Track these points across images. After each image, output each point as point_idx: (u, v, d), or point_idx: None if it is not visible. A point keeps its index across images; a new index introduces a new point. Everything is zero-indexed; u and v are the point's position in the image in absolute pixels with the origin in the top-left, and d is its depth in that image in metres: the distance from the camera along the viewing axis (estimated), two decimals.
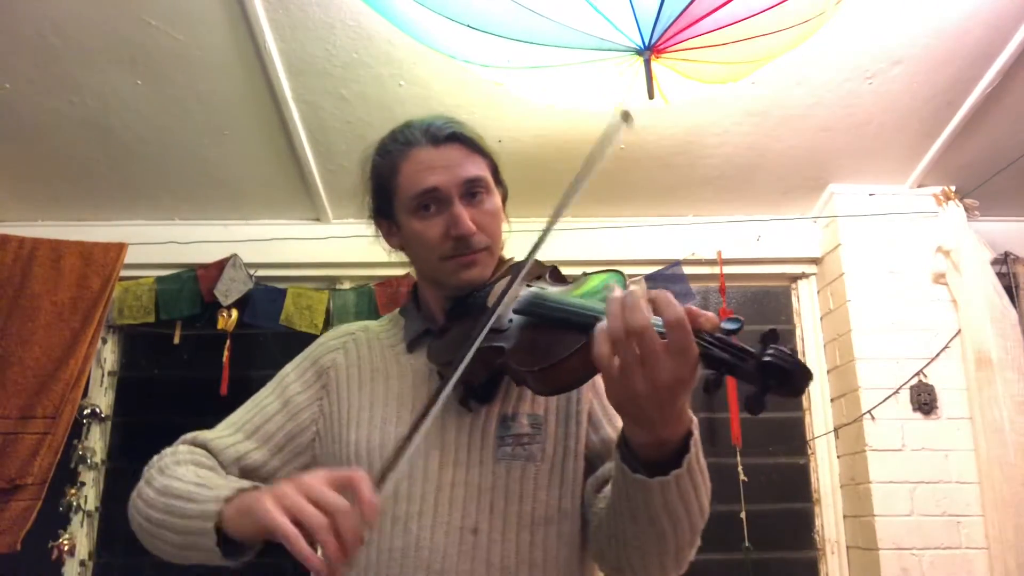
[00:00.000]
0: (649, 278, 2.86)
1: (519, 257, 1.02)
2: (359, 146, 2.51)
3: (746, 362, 0.72)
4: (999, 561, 2.42)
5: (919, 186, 2.82)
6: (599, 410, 1.08)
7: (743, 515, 2.73)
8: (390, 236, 1.16)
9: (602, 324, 0.76)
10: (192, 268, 2.84)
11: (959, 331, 2.66)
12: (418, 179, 1.05)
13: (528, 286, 1.02)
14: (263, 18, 2.05)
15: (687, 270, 2.87)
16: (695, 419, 0.85)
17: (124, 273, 2.79)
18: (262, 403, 1.13)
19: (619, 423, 1.00)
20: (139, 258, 2.81)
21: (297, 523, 0.75)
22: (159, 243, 2.86)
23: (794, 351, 0.73)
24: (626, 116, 0.93)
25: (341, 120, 2.41)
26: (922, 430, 2.59)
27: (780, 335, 0.73)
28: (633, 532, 0.89)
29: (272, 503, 0.77)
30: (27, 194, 2.78)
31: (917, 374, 2.63)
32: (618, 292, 0.75)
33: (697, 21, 1.74)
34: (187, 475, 0.97)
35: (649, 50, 1.83)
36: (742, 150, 2.62)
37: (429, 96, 2.32)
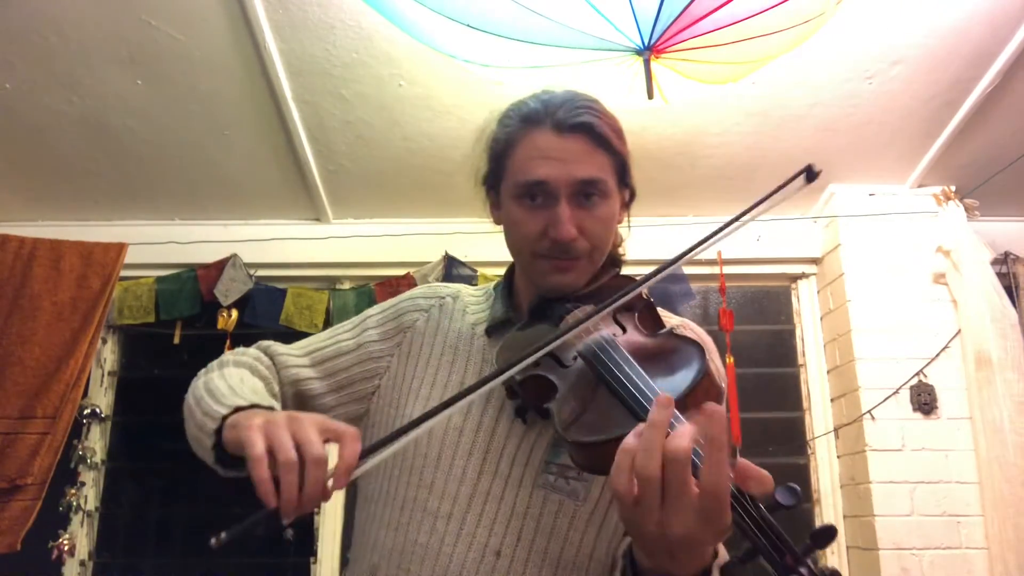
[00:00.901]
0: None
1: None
2: (359, 146, 2.53)
3: (783, 557, 0.62)
4: (999, 561, 2.42)
5: (919, 186, 2.82)
6: None
7: None
8: (493, 210, 1.08)
9: (632, 436, 0.66)
10: (192, 268, 2.84)
11: (959, 331, 2.66)
12: (529, 166, 0.96)
13: (617, 322, 0.91)
14: (263, 18, 2.05)
15: (687, 270, 2.87)
16: (722, 552, 0.74)
17: (124, 273, 2.79)
18: (339, 337, 1.10)
19: None
20: (139, 258, 2.81)
21: (271, 452, 0.72)
22: (159, 243, 2.86)
23: (835, 572, 0.61)
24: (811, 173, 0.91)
25: (341, 120, 2.41)
26: (922, 430, 2.59)
27: (833, 530, 0.62)
28: None
29: (259, 424, 0.75)
30: (27, 194, 2.78)
31: (917, 374, 2.63)
32: (662, 400, 0.64)
33: (697, 21, 1.74)
34: (232, 376, 0.96)
35: (648, 50, 1.83)
36: (742, 150, 2.62)
37: (429, 96, 2.32)
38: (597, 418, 0.77)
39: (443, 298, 1.13)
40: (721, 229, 0.88)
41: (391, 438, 0.76)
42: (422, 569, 0.93)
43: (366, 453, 0.74)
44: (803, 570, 0.61)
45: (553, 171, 0.95)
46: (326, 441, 0.74)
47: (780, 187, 0.91)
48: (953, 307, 2.69)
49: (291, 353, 1.09)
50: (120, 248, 2.78)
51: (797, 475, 2.85)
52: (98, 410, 2.79)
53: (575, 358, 0.86)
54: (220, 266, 2.82)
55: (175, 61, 2.18)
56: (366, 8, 1.93)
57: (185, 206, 2.86)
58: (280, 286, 2.83)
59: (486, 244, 2.66)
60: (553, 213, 0.95)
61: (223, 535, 0.66)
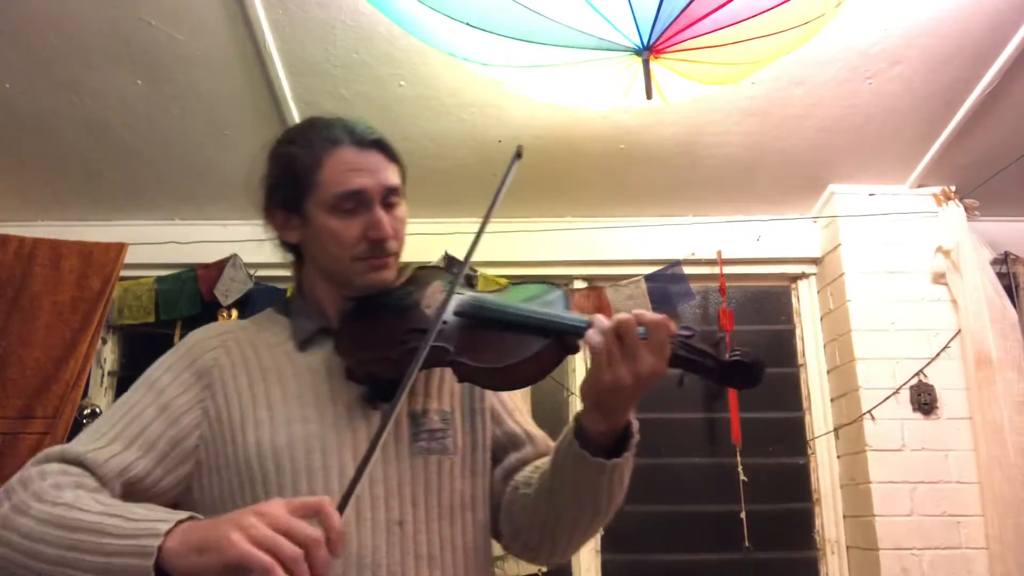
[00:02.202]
0: (649, 278, 2.87)
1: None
2: None
3: (707, 361, 0.93)
4: (999, 561, 2.42)
5: (919, 186, 2.82)
6: (499, 407, 1.17)
7: (743, 515, 2.73)
8: (287, 230, 1.14)
9: (598, 322, 0.92)
10: (192, 268, 2.84)
11: (959, 331, 2.66)
12: (344, 178, 1.06)
13: (457, 292, 1.08)
14: (263, 18, 2.05)
15: (687, 270, 2.88)
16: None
17: (124, 273, 2.79)
18: (135, 408, 1.02)
19: (518, 417, 1.18)
20: (139, 258, 2.81)
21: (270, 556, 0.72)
22: (159, 243, 2.86)
23: (748, 352, 0.93)
24: (518, 152, 1.08)
25: None
26: (922, 430, 2.59)
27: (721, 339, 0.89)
28: (571, 511, 1.02)
29: (239, 535, 0.72)
30: (27, 194, 2.78)
31: (917, 374, 2.63)
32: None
33: (696, 22, 1.74)
34: (86, 503, 0.85)
35: (648, 50, 1.83)
36: (742, 150, 2.62)
37: (429, 96, 2.33)
38: (513, 346, 0.98)
39: (230, 331, 1.14)
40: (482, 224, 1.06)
41: (352, 484, 0.82)
42: (331, 569, 0.93)
43: (341, 509, 0.78)
44: (723, 358, 0.92)
45: (368, 181, 1.07)
46: (303, 518, 0.75)
47: (504, 175, 1.08)
48: (953, 307, 2.69)
49: (97, 447, 0.97)
50: (120, 248, 2.78)
51: (797, 475, 2.85)
52: (98, 410, 2.79)
53: (445, 323, 1.02)
54: (220, 266, 2.82)
55: (175, 61, 2.18)
56: (366, 8, 1.93)
57: (185, 206, 2.86)
58: (280, 286, 2.83)
59: (486, 244, 2.66)
60: (370, 217, 1.07)
61: None
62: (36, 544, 0.83)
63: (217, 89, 2.30)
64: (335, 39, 2.13)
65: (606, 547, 2.76)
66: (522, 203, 2.83)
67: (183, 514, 0.82)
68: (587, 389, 0.94)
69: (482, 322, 1.03)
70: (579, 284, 2.96)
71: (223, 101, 2.35)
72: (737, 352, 0.92)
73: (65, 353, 2.64)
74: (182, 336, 2.80)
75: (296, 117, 2.38)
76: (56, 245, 2.75)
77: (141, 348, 2.94)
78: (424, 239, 2.86)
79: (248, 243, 2.85)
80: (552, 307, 1.03)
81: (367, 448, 0.86)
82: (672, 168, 2.69)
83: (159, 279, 2.83)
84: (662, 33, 1.77)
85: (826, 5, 1.78)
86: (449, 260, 2.74)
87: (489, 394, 1.17)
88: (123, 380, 2.92)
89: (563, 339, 0.97)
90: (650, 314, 0.91)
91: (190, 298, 2.81)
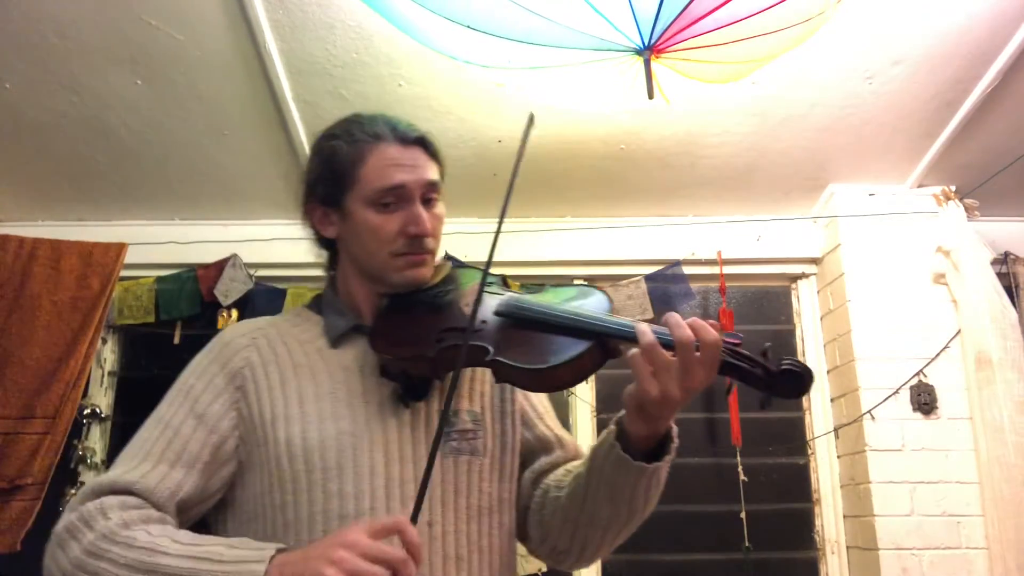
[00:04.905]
0: (649, 278, 2.87)
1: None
2: None
3: (755, 369, 0.89)
4: (999, 561, 2.42)
5: (919, 186, 2.82)
6: (530, 410, 1.17)
7: (743, 515, 2.73)
8: (326, 225, 1.13)
9: (649, 332, 0.90)
10: (192, 268, 2.84)
11: (959, 331, 2.66)
12: (386, 173, 1.07)
13: (490, 292, 1.08)
14: (263, 18, 2.05)
15: (687, 270, 2.88)
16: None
17: (124, 273, 2.79)
18: (172, 422, 1.03)
19: (549, 421, 1.19)
20: (139, 258, 2.81)
21: None
22: (159, 243, 2.86)
23: (797, 362, 0.88)
24: (531, 119, 1.08)
25: None
26: (922, 430, 2.59)
27: (773, 347, 0.90)
28: (606, 513, 1.02)
29: (334, 571, 0.76)
30: (27, 194, 2.78)
31: (917, 374, 2.63)
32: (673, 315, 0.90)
33: (696, 21, 1.74)
34: (163, 544, 0.87)
35: (648, 50, 1.83)
36: (742, 150, 2.62)
37: (429, 96, 2.33)
38: (553, 347, 0.96)
39: (261, 328, 1.14)
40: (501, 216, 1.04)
41: (420, 494, 0.86)
42: None
43: (414, 520, 0.82)
44: (773, 367, 0.89)
45: (409, 176, 1.08)
46: (384, 539, 0.79)
47: (522, 144, 1.06)
48: (953, 307, 2.69)
49: (144, 473, 0.97)
50: (120, 248, 2.78)
51: (797, 475, 2.85)
52: (98, 410, 2.79)
53: (484, 322, 1.02)
54: (220, 266, 2.81)
55: (175, 61, 2.18)
56: (366, 8, 1.93)
57: (185, 206, 2.86)
58: (280, 286, 2.83)
59: (486, 244, 2.66)
60: (410, 213, 1.07)
61: None
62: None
63: (217, 89, 2.30)
64: (335, 39, 2.13)
65: None
66: (522, 203, 2.83)
67: (270, 547, 0.85)
68: (632, 400, 0.92)
69: (523, 322, 1.02)
70: (579, 284, 2.96)
71: (223, 101, 2.34)
72: (787, 361, 0.89)
73: (65, 353, 2.64)
74: (182, 336, 2.85)
75: (296, 117, 2.38)
76: (56, 245, 2.75)
77: (141, 348, 2.94)
78: None
79: (248, 243, 2.85)
80: (594, 309, 1.01)
81: (428, 456, 0.86)
82: (672, 168, 2.68)
83: (159, 279, 2.83)
84: (663, 33, 1.77)
85: (826, 3, 1.78)
86: (446, 257, 2.75)
87: (519, 397, 1.16)
88: (123, 380, 2.91)
89: (605, 343, 0.95)
90: (705, 329, 0.87)
91: (190, 298, 2.81)
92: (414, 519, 0.81)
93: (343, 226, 1.11)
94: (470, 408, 1.09)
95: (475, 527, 1.04)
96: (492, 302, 1.05)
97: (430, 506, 1.00)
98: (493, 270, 1.03)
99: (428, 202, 1.10)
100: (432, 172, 1.11)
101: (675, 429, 0.98)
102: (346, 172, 1.09)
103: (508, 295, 1.07)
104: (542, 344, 0.98)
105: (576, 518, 1.04)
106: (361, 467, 0.99)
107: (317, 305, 1.19)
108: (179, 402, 1.06)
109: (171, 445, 1.00)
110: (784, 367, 0.89)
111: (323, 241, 1.17)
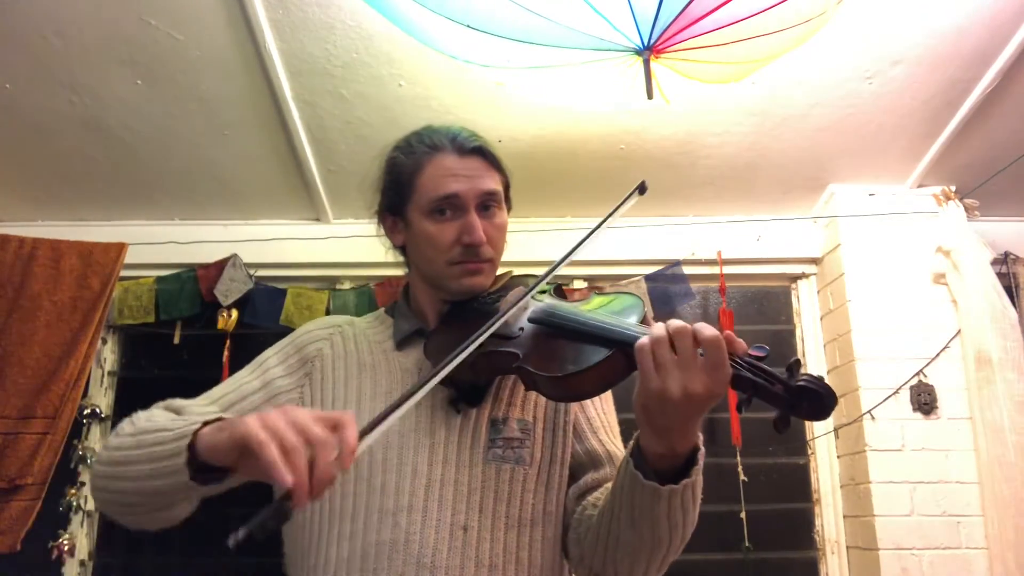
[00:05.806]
0: (649, 278, 2.87)
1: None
2: (359, 146, 2.53)
3: (774, 385, 0.81)
4: (999, 561, 2.42)
5: (919, 186, 2.82)
6: (584, 423, 1.15)
7: (743, 515, 2.73)
8: (394, 233, 1.19)
9: (651, 330, 0.87)
10: (192, 268, 2.84)
11: (959, 331, 2.66)
12: (441, 183, 1.10)
13: (535, 300, 1.08)
14: (263, 18, 2.05)
15: (687, 270, 2.87)
16: (701, 437, 0.94)
17: (124, 273, 2.79)
18: (241, 382, 1.13)
19: (603, 436, 1.15)
20: (139, 258, 2.81)
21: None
22: (159, 243, 2.86)
23: (817, 378, 0.81)
24: (643, 187, 1.09)
25: (341, 120, 2.41)
26: (922, 430, 2.59)
27: (800, 363, 0.83)
28: (629, 537, 0.97)
29: (254, 420, 0.76)
30: (27, 194, 2.78)
31: (917, 374, 2.63)
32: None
33: (696, 21, 1.74)
34: (160, 416, 0.99)
35: (648, 50, 1.83)
36: (742, 150, 2.62)
37: (429, 96, 2.33)
38: (576, 355, 0.94)
39: (339, 326, 1.21)
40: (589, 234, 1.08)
41: (381, 418, 0.79)
42: (391, 564, 0.98)
43: (363, 434, 0.77)
44: (793, 383, 0.80)
45: (463, 185, 1.10)
46: (327, 428, 0.76)
47: (621, 203, 1.09)
48: (953, 307, 2.69)
49: (196, 404, 1.09)
50: (120, 248, 2.78)
51: (797, 475, 2.85)
52: (98, 410, 2.79)
53: (521, 329, 1.03)
54: (220, 266, 2.81)
55: (175, 61, 2.18)
56: (366, 8, 1.93)
57: (185, 206, 2.86)
58: (280, 286, 2.83)
59: None
60: (465, 222, 1.10)
61: (240, 533, 0.64)
62: (116, 451, 0.96)
63: (217, 89, 2.30)
64: (335, 39, 2.13)
65: None
66: (522, 203, 2.81)
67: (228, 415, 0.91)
68: (636, 402, 0.89)
69: (553, 330, 1.01)
70: (579, 284, 2.96)
71: (223, 101, 2.34)
72: (804, 378, 0.81)
73: (65, 353, 2.64)
74: (182, 336, 2.85)
75: (296, 117, 2.38)
76: (56, 245, 2.75)
77: (141, 348, 2.93)
78: None
79: (248, 243, 2.85)
80: (623, 317, 0.98)
81: (400, 396, 0.82)
82: (672, 168, 2.68)
83: (159, 279, 2.83)
84: (662, 33, 1.77)
85: (826, 3, 1.78)
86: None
87: (575, 408, 1.14)
88: (123, 380, 2.91)
89: (627, 350, 0.90)
90: (709, 329, 0.83)
91: (190, 298, 2.81)
92: (365, 431, 0.76)
93: (407, 235, 1.16)
94: (521, 417, 1.09)
95: (513, 537, 1.03)
96: (539, 307, 1.06)
97: (467, 511, 1.01)
98: (558, 278, 1.05)
99: (487, 210, 1.12)
100: (490, 182, 1.13)
101: (702, 451, 0.93)
102: (406, 182, 1.13)
103: (547, 302, 1.07)
104: (567, 352, 0.96)
105: (605, 541, 1.01)
106: (404, 466, 1.02)
107: (392, 309, 1.24)
108: (252, 368, 1.15)
109: (229, 395, 1.10)
110: (803, 383, 0.80)
111: (398, 248, 1.22)
